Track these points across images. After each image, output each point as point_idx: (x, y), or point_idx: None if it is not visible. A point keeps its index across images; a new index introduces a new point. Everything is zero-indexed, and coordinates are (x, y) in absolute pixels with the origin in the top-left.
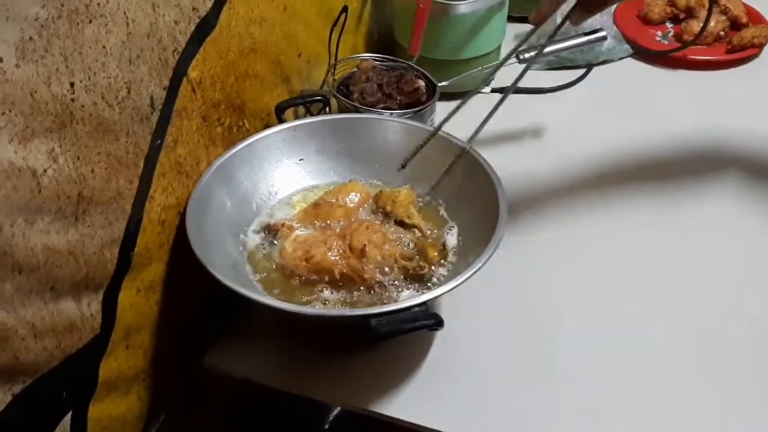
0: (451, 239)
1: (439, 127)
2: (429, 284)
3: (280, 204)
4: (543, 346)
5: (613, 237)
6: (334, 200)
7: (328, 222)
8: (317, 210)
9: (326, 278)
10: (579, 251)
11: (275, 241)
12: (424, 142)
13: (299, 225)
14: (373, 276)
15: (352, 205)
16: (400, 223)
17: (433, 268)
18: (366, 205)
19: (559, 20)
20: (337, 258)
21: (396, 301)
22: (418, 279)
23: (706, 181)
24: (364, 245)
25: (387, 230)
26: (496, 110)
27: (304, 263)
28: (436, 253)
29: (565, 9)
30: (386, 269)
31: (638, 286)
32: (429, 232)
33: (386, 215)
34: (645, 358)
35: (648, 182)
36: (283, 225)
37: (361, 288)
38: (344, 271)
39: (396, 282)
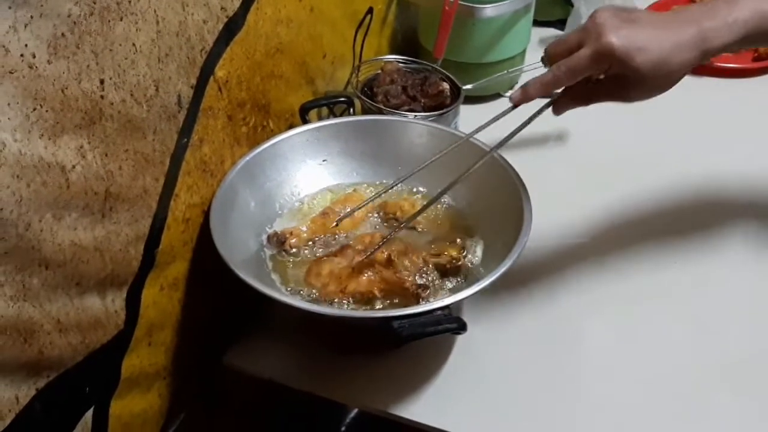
0: (475, 244)
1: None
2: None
3: (296, 208)
4: (565, 352)
5: (638, 244)
6: (340, 209)
7: (336, 236)
8: (324, 219)
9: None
10: (602, 258)
11: (284, 251)
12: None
13: (306, 233)
14: (414, 281)
15: (359, 215)
16: (412, 229)
17: (468, 257)
18: (373, 215)
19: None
20: (371, 276)
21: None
22: (456, 272)
23: (728, 189)
24: (389, 254)
25: (402, 238)
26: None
27: (341, 294)
28: (455, 252)
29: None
30: (421, 272)
31: (665, 293)
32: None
33: (396, 222)
34: (671, 366)
35: (673, 189)
36: (291, 234)
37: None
38: (383, 287)
39: (436, 281)
